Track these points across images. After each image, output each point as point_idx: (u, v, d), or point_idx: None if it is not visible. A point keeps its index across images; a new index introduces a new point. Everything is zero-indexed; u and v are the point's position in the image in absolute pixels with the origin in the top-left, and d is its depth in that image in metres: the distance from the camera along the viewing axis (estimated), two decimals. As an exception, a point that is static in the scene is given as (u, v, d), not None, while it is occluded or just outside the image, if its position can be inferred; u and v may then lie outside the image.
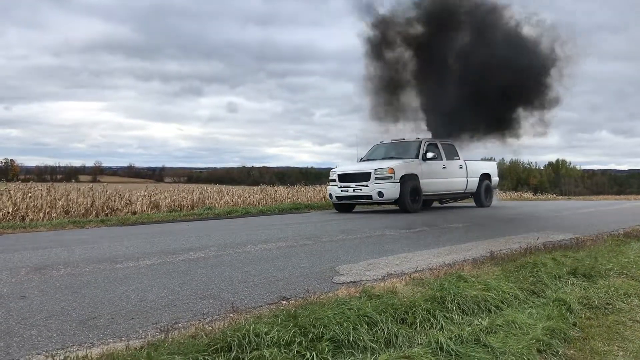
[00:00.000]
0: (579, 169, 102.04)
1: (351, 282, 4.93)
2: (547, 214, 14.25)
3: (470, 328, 3.49)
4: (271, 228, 10.18)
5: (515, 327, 3.62)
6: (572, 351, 3.43)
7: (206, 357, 2.78)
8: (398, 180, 13.84)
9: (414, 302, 3.80)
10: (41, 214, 13.81)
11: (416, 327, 3.52)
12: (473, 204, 17.73)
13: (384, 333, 3.32)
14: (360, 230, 9.38)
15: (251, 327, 3.09)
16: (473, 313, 3.92)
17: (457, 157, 16.16)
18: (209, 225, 11.26)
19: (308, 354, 2.92)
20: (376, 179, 13.88)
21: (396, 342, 3.27)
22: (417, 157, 14.76)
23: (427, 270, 5.38)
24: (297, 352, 2.94)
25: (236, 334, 3.00)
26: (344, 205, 15.18)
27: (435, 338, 3.24)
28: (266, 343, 2.97)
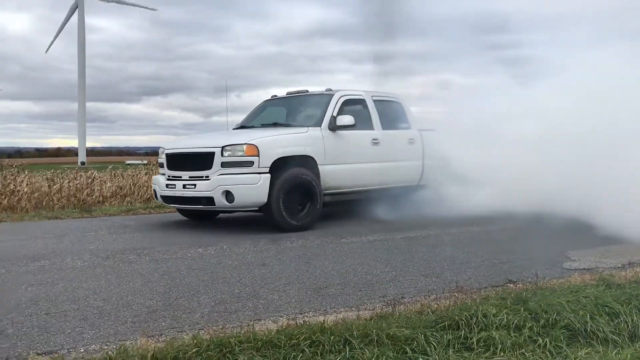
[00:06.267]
0: None
1: (585, 268, 4.57)
2: None
3: None
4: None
5: None
6: None
7: (434, 333, 2.82)
8: (267, 169, 7.00)
9: (665, 295, 3.40)
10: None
11: (667, 322, 3.15)
12: None
13: (627, 325, 3.06)
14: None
15: (479, 307, 3.06)
16: None
17: (406, 125, 9.09)
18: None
19: (540, 340, 2.81)
20: (223, 165, 7.02)
21: (643, 337, 2.97)
22: (318, 124, 7.87)
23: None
24: (528, 336, 2.85)
25: (463, 314, 3.00)
26: (186, 211, 8.26)
27: (693, 336, 2.87)
28: (494, 325, 2.92)
